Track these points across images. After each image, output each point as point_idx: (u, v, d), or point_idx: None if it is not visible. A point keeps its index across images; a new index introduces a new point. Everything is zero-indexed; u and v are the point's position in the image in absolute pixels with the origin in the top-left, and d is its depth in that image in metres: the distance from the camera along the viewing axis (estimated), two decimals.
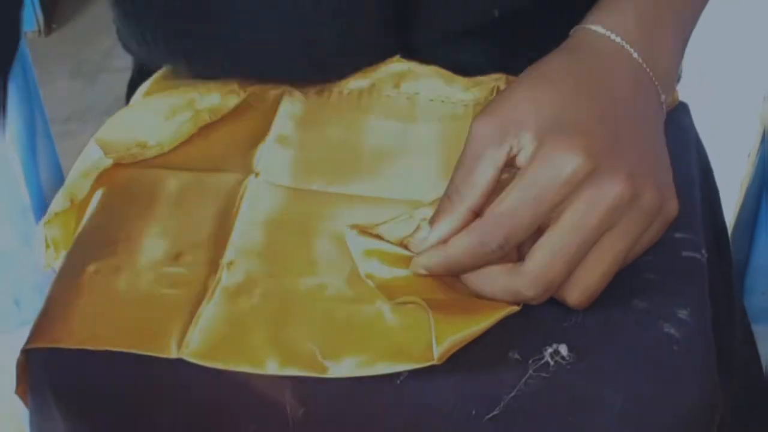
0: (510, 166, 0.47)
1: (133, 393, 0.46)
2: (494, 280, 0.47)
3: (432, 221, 0.49)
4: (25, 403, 0.53)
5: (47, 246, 0.59)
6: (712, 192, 0.66)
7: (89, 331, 0.48)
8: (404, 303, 0.48)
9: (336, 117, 0.60)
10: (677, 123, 0.62)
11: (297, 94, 0.62)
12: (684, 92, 0.68)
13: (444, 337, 0.45)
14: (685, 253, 0.52)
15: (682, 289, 0.50)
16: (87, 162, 0.57)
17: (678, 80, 0.69)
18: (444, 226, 0.48)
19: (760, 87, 0.84)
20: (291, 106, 0.61)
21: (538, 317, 0.48)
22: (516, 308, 0.48)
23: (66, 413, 0.48)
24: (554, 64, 0.49)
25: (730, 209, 0.86)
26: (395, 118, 0.60)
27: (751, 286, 0.81)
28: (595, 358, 0.47)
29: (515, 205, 0.45)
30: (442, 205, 0.48)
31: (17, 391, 0.52)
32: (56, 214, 0.57)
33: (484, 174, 0.47)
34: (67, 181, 0.58)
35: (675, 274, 0.51)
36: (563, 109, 0.47)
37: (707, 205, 0.62)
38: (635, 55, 0.49)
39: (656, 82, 0.50)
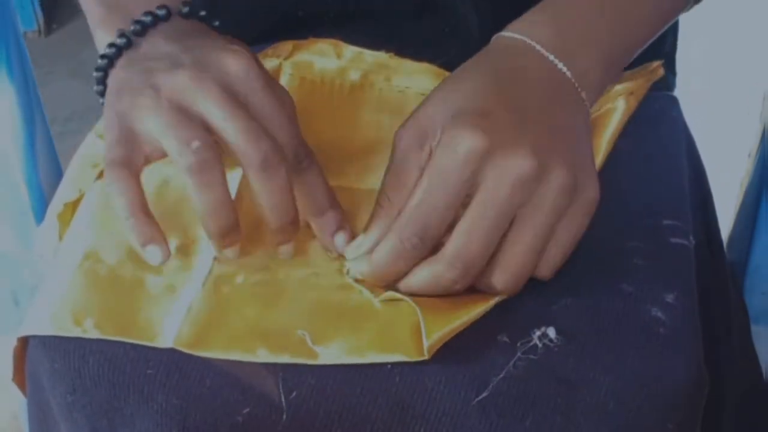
0: None
1: (129, 378, 0.47)
2: (418, 272, 0.47)
3: (366, 230, 0.50)
4: (23, 391, 0.53)
5: (60, 237, 0.59)
6: (703, 186, 0.66)
7: (83, 320, 0.48)
8: (391, 299, 0.49)
9: (328, 109, 0.61)
10: (667, 115, 0.64)
11: (291, 83, 0.62)
12: (684, 92, 0.69)
13: (432, 332, 0.45)
14: (673, 240, 0.53)
15: (670, 273, 0.51)
16: (93, 152, 0.57)
17: (672, 90, 0.70)
18: (376, 231, 0.49)
19: (760, 87, 0.84)
20: None
21: (527, 300, 0.49)
22: (495, 299, 0.48)
23: (62, 399, 0.48)
24: (467, 66, 0.51)
25: (730, 209, 0.86)
26: (386, 111, 0.61)
27: (751, 286, 0.81)
28: (583, 340, 0.48)
29: (424, 195, 0.46)
30: (374, 213, 0.49)
31: (14, 379, 0.53)
32: (66, 205, 0.58)
33: (411, 177, 0.48)
34: (73, 172, 0.58)
35: (662, 259, 0.52)
36: (467, 99, 0.48)
37: (698, 198, 0.63)
38: (549, 56, 0.50)
39: (575, 82, 0.50)
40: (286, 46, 0.63)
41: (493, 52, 0.52)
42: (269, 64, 0.63)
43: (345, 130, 0.60)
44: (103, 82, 0.53)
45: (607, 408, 0.46)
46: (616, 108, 0.59)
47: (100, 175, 0.57)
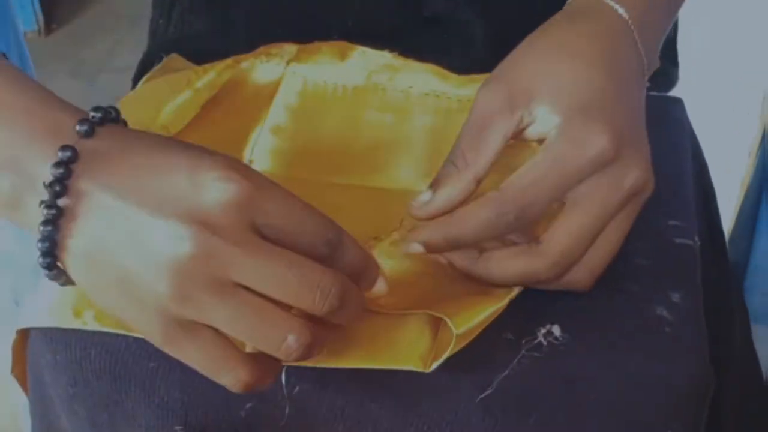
0: (518, 137, 0.47)
1: (131, 371, 0.47)
2: (510, 262, 0.46)
3: (435, 186, 0.47)
4: (22, 385, 0.53)
5: None
6: (707, 187, 0.67)
7: (83, 312, 0.48)
8: (407, 313, 0.48)
9: (331, 108, 0.61)
10: (672, 117, 0.64)
11: (294, 81, 0.62)
12: (684, 92, 0.69)
13: (442, 351, 0.45)
14: (678, 240, 0.53)
15: (675, 273, 0.51)
16: None
17: (675, 82, 0.70)
18: (448, 192, 0.46)
19: (760, 87, 0.84)
20: (287, 97, 0.61)
21: (532, 298, 0.49)
22: (508, 300, 0.48)
23: (63, 392, 0.48)
24: (562, 33, 0.48)
25: (730, 209, 0.86)
26: (389, 110, 0.61)
27: (751, 286, 0.81)
28: (588, 338, 0.47)
29: (539, 177, 0.44)
30: (445, 171, 0.47)
31: (13, 372, 0.52)
32: None
33: (494, 142, 0.46)
34: None
35: (668, 259, 0.52)
36: (581, 85, 0.46)
37: (702, 198, 0.63)
38: (631, 25, 0.49)
39: (642, 52, 0.50)
40: (291, 48, 0.63)
41: (581, 17, 0.49)
42: (273, 67, 0.63)
43: (349, 130, 0.60)
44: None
45: (611, 407, 0.45)
46: None
47: None
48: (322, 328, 0.40)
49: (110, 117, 0.41)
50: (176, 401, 0.46)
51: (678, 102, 0.65)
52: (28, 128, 0.39)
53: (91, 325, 0.48)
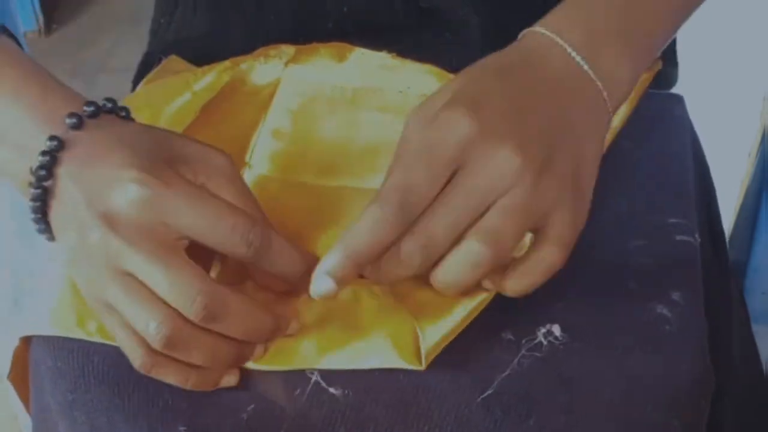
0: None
1: (135, 376, 0.47)
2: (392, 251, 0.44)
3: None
4: (17, 390, 0.54)
5: None
6: (708, 186, 0.67)
7: (86, 323, 0.48)
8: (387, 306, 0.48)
9: (329, 111, 0.61)
10: (672, 114, 0.64)
11: (293, 83, 0.62)
12: (684, 92, 0.69)
13: (431, 346, 0.45)
14: (678, 237, 0.53)
15: (675, 271, 0.51)
16: None
17: (675, 82, 0.70)
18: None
19: (760, 87, 0.85)
20: (285, 99, 0.61)
21: (532, 298, 0.48)
22: (488, 295, 0.47)
23: (62, 398, 0.48)
24: (488, 60, 0.49)
25: (730, 209, 0.86)
26: (388, 112, 0.61)
27: (751, 286, 0.81)
28: (588, 338, 0.48)
29: (407, 170, 0.44)
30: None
31: (9, 377, 0.53)
32: None
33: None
34: None
35: (668, 257, 0.52)
36: (467, 85, 0.47)
37: (702, 197, 0.63)
38: (575, 55, 0.49)
39: (598, 83, 0.48)
40: (289, 49, 0.63)
41: (517, 48, 0.50)
42: (272, 69, 0.63)
43: (348, 132, 0.60)
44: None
45: (611, 406, 0.46)
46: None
47: None
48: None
49: (104, 109, 0.47)
50: (179, 405, 0.46)
51: (679, 100, 0.66)
52: (27, 116, 0.46)
53: (94, 337, 0.48)
